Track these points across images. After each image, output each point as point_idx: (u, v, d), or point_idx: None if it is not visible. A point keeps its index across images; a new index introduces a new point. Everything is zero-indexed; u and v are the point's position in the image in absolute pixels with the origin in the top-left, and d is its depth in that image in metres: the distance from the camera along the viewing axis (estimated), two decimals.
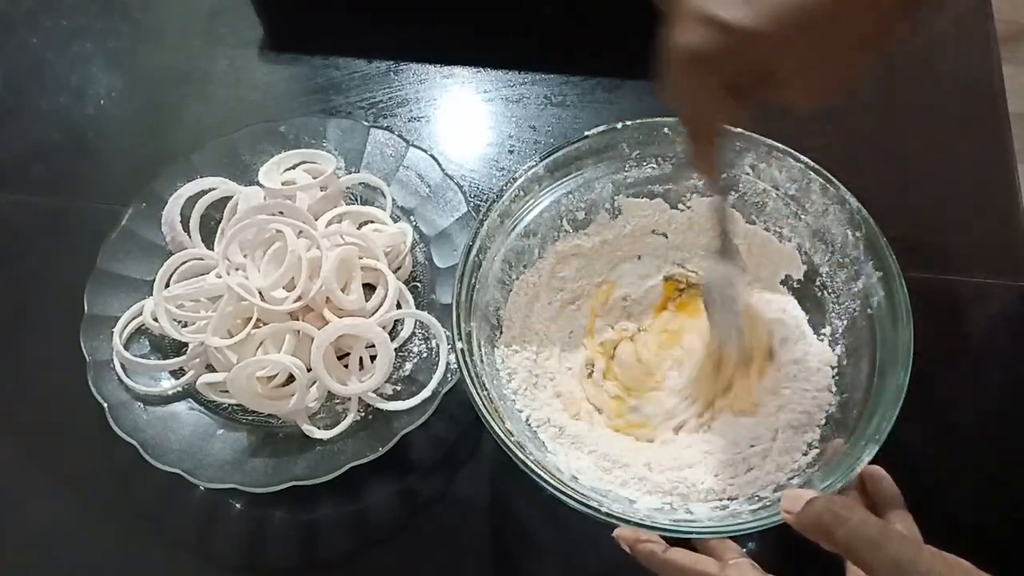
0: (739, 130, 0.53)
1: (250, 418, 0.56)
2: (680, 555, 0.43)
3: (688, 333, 0.56)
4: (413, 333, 0.59)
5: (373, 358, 0.56)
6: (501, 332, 0.55)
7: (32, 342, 0.63)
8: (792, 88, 0.40)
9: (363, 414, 0.55)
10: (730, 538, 0.44)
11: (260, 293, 0.56)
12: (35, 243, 0.67)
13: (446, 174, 0.63)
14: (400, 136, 0.65)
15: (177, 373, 0.57)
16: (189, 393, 0.57)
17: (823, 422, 0.50)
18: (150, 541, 0.55)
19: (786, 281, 0.56)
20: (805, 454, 0.49)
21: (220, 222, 0.62)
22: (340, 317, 0.56)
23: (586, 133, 0.54)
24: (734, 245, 0.52)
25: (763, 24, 0.37)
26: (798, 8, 0.37)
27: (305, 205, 0.60)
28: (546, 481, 0.44)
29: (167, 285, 0.58)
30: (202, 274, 0.59)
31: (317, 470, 0.52)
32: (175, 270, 0.59)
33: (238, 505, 0.56)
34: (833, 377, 0.52)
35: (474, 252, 0.52)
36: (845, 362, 0.51)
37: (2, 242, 0.68)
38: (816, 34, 0.37)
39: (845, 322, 0.52)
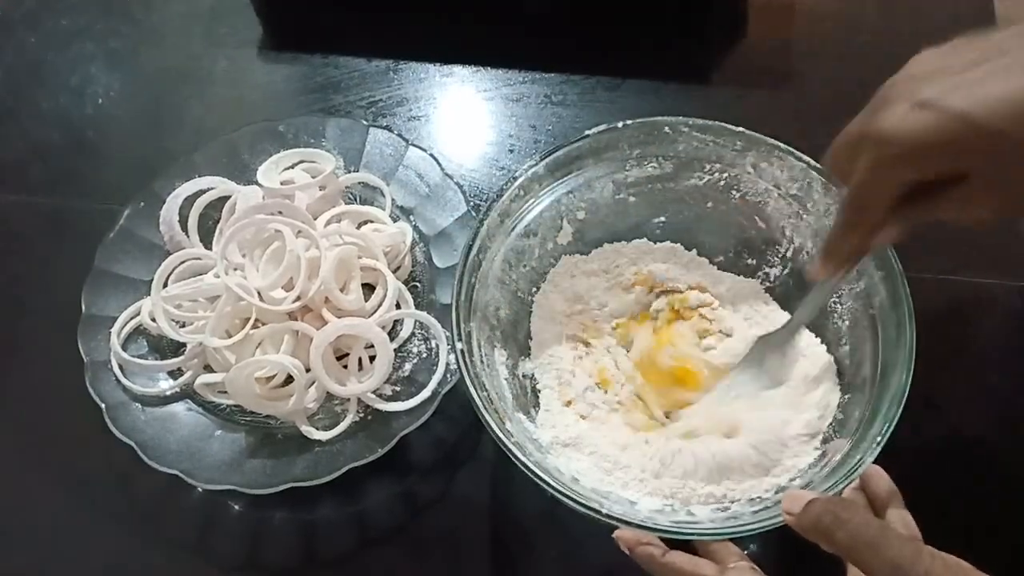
0: (740, 129, 0.53)
1: (248, 419, 0.56)
2: (680, 558, 0.43)
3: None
4: (413, 333, 0.59)
5: (372, 358, 0.56)
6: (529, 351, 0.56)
7: (30, 342, 0.63)
8: (978, 202, 0.36)
9: (362, 415, 0.55)
10: (731, 540, 0.44)
11: (259, 293, 0.56)
12: (34, 243, 0.67)
13: (446, 174, 0.63)
14: (399, 135, 0.65)
15: (175, 374, 0.57)
16: (187, 394, 0.56)
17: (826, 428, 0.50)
18: (148, 542, 0.55)
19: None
20: (806, 456, 0.49)
21: (218, 222, 0.62)
22: (339, 317, 0.56)
23: (586, 132, 0.54)
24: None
25: (992, 114, 0.33)
26: None
27: (304, 205, 0.60)
28: (546, 482, 0.44)
29: (165, 285, 0.58)
30: (200, 274, 0.59)
31: (316, 471, 0.52)
32: (173, 270, 0.59)
33: (237, 506, 0.56)
34: (837, 384, 0.52)
35: (474, 252, 0.51)
36: (847, 362, 0.51)
37: (2, 242, 0.68)
38: None
39: (847, 322, 0.52)
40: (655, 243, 0.59)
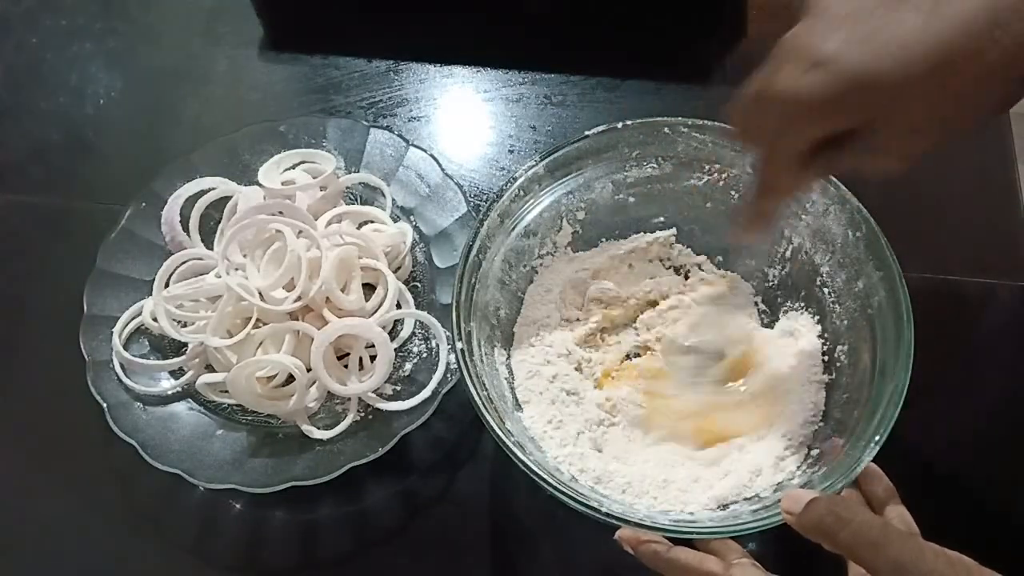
0: None
1: (250, 418, 0.56)
2: (684, 554, 0.43)
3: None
4: (413, 333, 0.59)
5: (373, 358, 0.56)
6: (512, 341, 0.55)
7: (31, 342, 0.63)
8: (886, 151, 0.37)
9: (363, 414, 0.55)
10: (731, 538, 0.44)
11: (260, 293, 0.56)
12: (35, 243, 0.67)
13: (446, 174, 0.63)
14: (400, 136, 0.65)
15: (176, 373, 0.57)
16: (189, 393, 0.57)
17: (818, 426, 0.51)
18: (149, 541, 0.55)
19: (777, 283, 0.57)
20: (806, 456, 0.49)
21: (220, 222, 0.62)
22: (340, 317, 0.56)
23: (586, 133, 0.54)
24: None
25: (889, 68, 0.33)
26: (931, 50, 0.32)
27: (305, 205, 0.60)
28: (546, 481, 0.44)
29: (167, 285, 0.58)
30: (201, 274, 0.59)
31: (317, 470, 0.52)
32: (174, 270, 0.59)
33: (238, 505, 0.56)
34: (825, 382, 0.52)
35: (474, 252, 0.52)
36: (846, 362, 0.51)
37: (2, 242, 0.68)
38: (941, 82, 0.33)
39: (846, 322, 0.52)
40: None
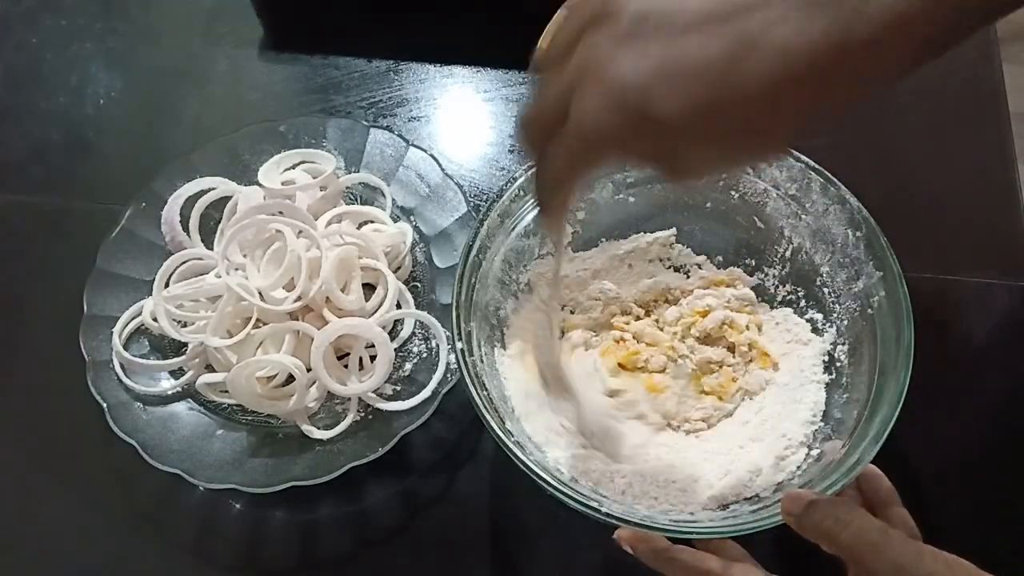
0: None
1: (250, 418, 0.56)
2: (684, 553, 0.43)
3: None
4: (413, 333, 0.59)
5: (373, 358, 0.56)
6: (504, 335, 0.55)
7: (31, 342, 0.63)
8: (679, 167, 0.34)
9: (363, 414, 0.55)
10: (730, 538, 0.44)
11: (260, 293, 0.56)
12: (35, 243, 0.67)
13: (446, 174, 0.63)
14: (400, 136, 0.65)
15: (176, 373, 0.57)
16: (189, 393, 0.57)
17: (818, 426, 0.51)
18: (149, 541, 0.55)
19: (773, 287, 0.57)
20: (806, 456, 0.49)
21: (220, 222, 0.62)
22: (340, 317, 0.56)
23: None
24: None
25: (685, 118, 0.30)
26: (721, 105, 0.30)
27: (305, 205, 0.60)
28: (546, 481, 0.44)
29: (167, 285, 0.58)
30: (201, 274, 0.59)
31: (317, 470, 0.52)
32: (174, 270, 0.59)
33: (237, 505, 0.56)
34: (825, 382, 0.52)
35: (474, 252, 0.52)
36: (846, 362, 0.51)
37: (2, 242, 0.68)
38: (726, 125, 0.31)
39: (846, 322, 0.52)
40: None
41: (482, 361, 0.51)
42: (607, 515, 0.43)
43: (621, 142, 0.33)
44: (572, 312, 0.58)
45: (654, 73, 0.30)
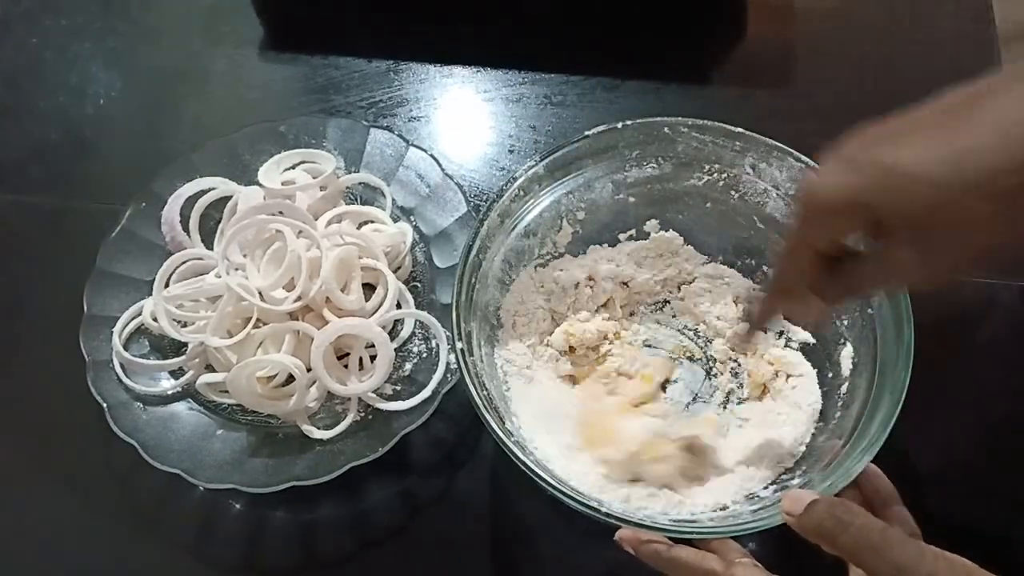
0: (739, 129, 0.53)
1: (250, 418, 0.56)
2: (685, 552, 0.43)
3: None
4: (413, 333, 0.59)
5: (373, 358, 0.56)
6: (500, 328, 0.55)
7: (31, 342, 0.63)
8: (904, 266, 0.35)
9: (363, 414, 0.55)
10: (731, 538, 0.44)
11: (260, 293, 0.56)
12: (35, 243, 0.67)
13: (446, 174, 0.63)
14: (400, 136, 0.65)
15: (177, 373, 0.57)
16: (189, 393, 0.57)
17: (818, 427, 0.51)
18: (150, 541, 0.55)
19: None
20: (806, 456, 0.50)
21: (220, 222, 0.62)
22: (340, 317, 0.56)
23: (586, 133, 0.54)
24: None
25: (953, 180, 0.31)
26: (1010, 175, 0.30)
27: (305, 205, 0.60)
28: (546, 481, 0.44)
29: (167, 285, 0.58)
30: (202, 274, 0.59)
31: (317, 470, 0.52)
32: (174, 270, 0.59)
33: (237, 505, 0.56)
34: (825, 382, 0.53)
35: (474, 252, 0.52)
36: (846, 362, 0.51)
37: (2, 242, 0.68)
38: (1003, 207, 0.31)
39: (846, 322, 0.52)
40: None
41: (482, 361, 0.51)
42: (607, 515, 0.43)
43: (855, 202, 0.34)
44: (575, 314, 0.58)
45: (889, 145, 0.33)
